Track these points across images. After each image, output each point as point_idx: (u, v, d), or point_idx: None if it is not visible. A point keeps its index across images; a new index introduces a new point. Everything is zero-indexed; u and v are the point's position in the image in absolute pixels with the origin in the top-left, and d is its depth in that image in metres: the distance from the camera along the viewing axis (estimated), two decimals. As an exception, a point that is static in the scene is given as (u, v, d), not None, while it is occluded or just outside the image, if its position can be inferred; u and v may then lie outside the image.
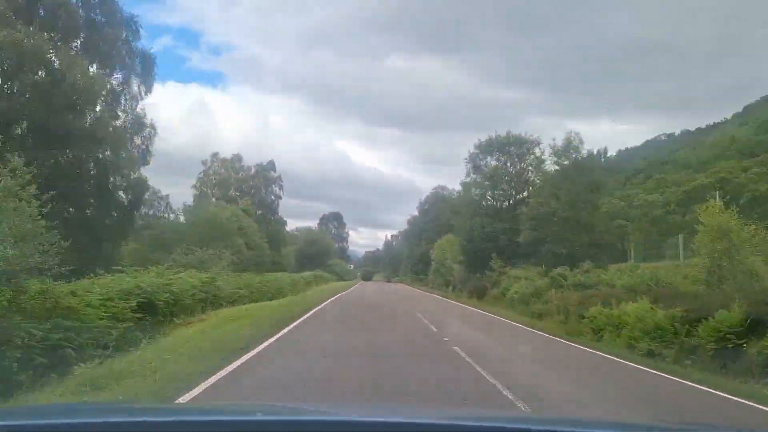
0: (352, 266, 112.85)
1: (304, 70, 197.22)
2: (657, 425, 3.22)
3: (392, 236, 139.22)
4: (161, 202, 51.29)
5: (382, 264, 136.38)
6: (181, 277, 20.07)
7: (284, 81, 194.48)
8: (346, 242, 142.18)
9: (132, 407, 3.39)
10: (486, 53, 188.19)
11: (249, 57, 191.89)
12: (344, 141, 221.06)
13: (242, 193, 75.08)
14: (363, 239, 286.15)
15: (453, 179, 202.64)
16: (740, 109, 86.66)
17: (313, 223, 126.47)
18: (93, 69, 28.09)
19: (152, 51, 35.06)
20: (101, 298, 12.61)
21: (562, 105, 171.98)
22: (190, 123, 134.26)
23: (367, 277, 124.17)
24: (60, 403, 5.89)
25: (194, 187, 71.91)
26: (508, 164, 46.71)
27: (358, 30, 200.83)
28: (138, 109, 32.44)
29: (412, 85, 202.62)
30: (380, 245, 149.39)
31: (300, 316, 19.74)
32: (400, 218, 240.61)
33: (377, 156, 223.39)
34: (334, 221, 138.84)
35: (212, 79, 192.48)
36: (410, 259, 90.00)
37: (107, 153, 28.37)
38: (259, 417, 2.38)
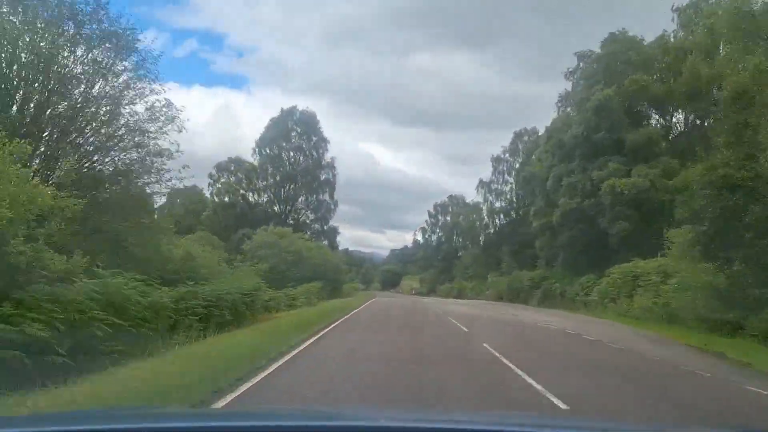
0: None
1: (328, 70, 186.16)
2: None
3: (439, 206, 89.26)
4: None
5: (417, 265, 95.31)
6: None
7: (308, 82, 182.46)
8: (332, 173, 64.08)
9: (157, 412, 3.31)
10: (519, 45, 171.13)
11: (272, 58, 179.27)
12: (369, 141, 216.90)
13: None
14: (390, 241, 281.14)
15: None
16: None
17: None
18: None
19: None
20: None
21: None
22: (216, 127, 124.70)
23: (392, 282, 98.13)
24: (81, 410, 5.16)
25: None
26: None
27: (384, 26, 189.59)
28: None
29: (439, 82, 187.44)
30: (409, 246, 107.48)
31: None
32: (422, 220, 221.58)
33: (403, 157, 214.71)
34: (300, 124, 62.28)
35: (236, 82, 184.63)
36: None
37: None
38: (287, 422, 2.34)
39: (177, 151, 18.81)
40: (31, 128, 15.86)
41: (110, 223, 16.84)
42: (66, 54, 17.06)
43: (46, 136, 16.96)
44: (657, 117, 39.64)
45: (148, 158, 18.67)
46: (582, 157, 37.40)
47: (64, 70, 16.88)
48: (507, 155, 65.28)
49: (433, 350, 13.39)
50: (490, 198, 66.19)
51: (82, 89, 17.55)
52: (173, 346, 12.04)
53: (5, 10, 16.24)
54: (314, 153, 62.38)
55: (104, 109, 17.92)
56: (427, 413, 4.83)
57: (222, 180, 59.47)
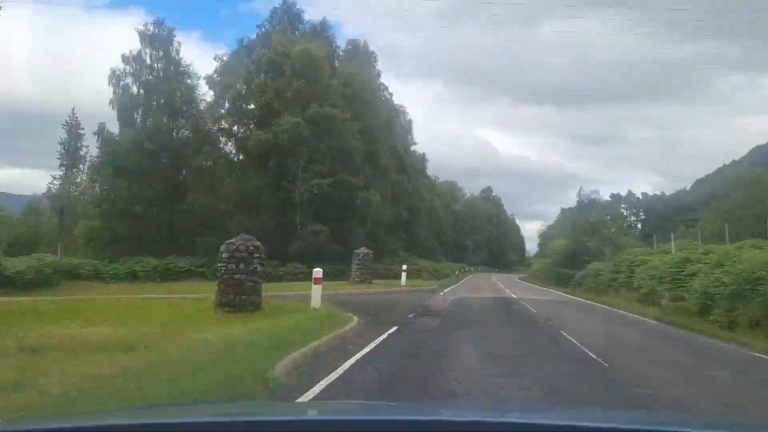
0: None
1: (446, 50, 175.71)
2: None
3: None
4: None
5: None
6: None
7: (424, 65, 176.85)
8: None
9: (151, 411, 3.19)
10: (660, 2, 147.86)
11: (387, 42, 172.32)
12: (488, 124, 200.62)
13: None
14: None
15: (612, 162, 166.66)
16: None
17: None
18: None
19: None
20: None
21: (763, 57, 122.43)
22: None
23: None
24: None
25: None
26: None
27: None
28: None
29: (567, 53, 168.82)
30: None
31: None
32: (551, 209, 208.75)
33: (524, 140, 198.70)
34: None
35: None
36: None
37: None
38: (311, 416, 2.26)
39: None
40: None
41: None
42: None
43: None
44: None
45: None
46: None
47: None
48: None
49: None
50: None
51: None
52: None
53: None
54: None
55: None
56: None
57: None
